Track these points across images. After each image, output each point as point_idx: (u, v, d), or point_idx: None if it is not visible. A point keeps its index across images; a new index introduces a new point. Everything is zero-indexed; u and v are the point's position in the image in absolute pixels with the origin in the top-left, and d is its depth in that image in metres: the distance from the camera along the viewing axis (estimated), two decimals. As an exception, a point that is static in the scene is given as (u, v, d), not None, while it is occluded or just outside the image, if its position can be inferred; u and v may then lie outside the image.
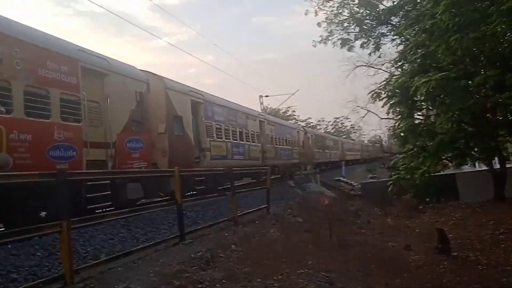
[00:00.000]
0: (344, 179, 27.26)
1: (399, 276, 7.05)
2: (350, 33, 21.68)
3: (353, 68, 24.15)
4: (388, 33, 20.67)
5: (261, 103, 38.92)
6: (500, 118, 12.23)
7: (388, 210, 15.06)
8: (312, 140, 34.19)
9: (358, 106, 26.99)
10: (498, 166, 13.83)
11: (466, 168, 17.34)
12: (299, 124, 41.83)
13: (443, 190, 14.41)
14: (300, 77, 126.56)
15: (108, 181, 9.11)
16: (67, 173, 5.40)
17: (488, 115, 12.37)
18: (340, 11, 21.16)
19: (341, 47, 22.03)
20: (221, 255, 6.69)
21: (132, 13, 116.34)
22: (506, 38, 10.76)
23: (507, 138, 13.57)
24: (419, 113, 15.28)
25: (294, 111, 61.22)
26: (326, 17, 21.67)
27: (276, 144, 24.53)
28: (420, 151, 12.92)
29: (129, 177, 10.04)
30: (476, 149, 13.29)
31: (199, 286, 5.21)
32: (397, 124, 15.22)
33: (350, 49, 22.25)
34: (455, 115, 11.54)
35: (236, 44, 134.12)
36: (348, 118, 62.45)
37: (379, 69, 23.30)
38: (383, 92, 14.20)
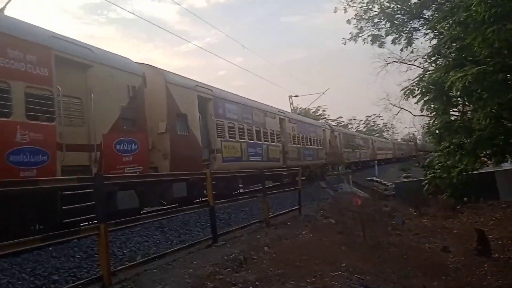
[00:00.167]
0: (377, 179, 26.76)
1: (436, 279, 6.87)
2: (380, 29, 21.21)
3: (385, 65, 23.59)
4: (420, 27, 20.10)
5: (291, 103, 38.71)
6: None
7: (424, 210, 14.70)
8: (340, 139, 32.46)
9: (390, 104, 26.31)
10: (541, 163, 13.19)
11: (506, 165, 16.64)
12: (326, 122, 41.33)
13: (482, 189, 13.89)
14: (330, 76, 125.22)
15: (91, 190, 7.34)
16: (104, 176, 5.52)
17: (529, 109, 11.81)
18: (370, 6, 20.76)
19: (372, 44, 21.59)
20: (253, 257, 6.70)
21: (162, 18, 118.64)
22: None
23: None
24: (455, 109, 14.76)
25: (324, 111, 60.64)
26: (356, 14, 21.32)
27: (299, 144, 22.75)
28: (456, 148, 12.49)
29: (120, 182, 8.31)
30: (516, 146, 12.71)
31: (232, 288, 5.25)
32: (432, 121, 14.77)
33: (381, 45, 21.75)
34: (493, 110, 11.08)
35: (264, 44, 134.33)
36: (380, 116, 61.53)
37: (412, 64, 22.66)
38: (417, 89, 13.79)
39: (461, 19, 10.86)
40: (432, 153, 18.41)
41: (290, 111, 35.54)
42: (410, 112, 25.25)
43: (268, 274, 5.91)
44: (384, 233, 10.38)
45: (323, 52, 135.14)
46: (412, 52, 21.48)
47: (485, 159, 13.97)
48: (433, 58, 15.33)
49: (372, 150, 44.20)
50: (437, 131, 13.82)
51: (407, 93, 14.32)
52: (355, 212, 10.62)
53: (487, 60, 11.03)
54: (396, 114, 27.11)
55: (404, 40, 20.55)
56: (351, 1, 20.96)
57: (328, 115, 63.44)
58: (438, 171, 13.10)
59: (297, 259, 6.78)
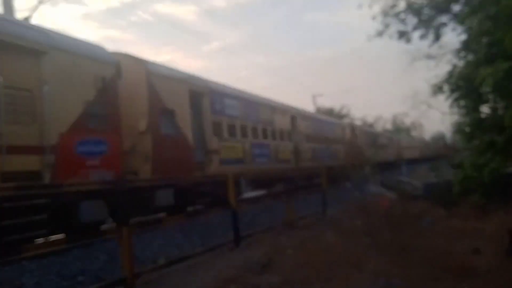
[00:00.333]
0: (405, 179, 26.19)
1: (467, 282, 6.61)
2: (407, 25, 20.87)
3: (412, 61, 23.13)
4: (448, 22, 19.62)
5: (315, 103, 38.42)
6: None
7: (454, 211, 14.25)
8: (361, 137, 30.60)
9: (418, 102, 25.74)
10: None
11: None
12: (351, 121, 40.68)
13: (516, 189, 13.35)
14: (355, 74, 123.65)
15: (45, 200, 6.68)
16: (127, 180, 5.56)
17: None
18: (396, 2, 20.43)
19: (398, 40, 21.26)
20: (277, 259, 6.62)
21: (183, 19, 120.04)
22: None
23: None
24: (486, 106, 14.32)
25: (349, 110, 60.00)
26: (382, 10, 21.02)
27: (314, 143, 20.99)
28: (487, 147, 12.09)
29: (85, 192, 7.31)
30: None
31: (256, 291, 5.19)
32: (461, 118, 14.35)
33: (408, 41, 21.36)
34: (526, 107, 10.67)
35: (287, 43, 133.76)
36: (408, 115, 60.19)
37: (440, 60, 22.15)
38: (446, 85, 13.44)
39: (491, 13, 10.51)
40: (462, 151, 17.91)
41: (313, 110, 35.37)
42: (439, 109, 24.61)
43: (292, 277, 5.82)
44: (412, 235, 10.10)
45: (348, 49, 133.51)
46: (440, 47, 21.01)
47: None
48: (462, 54, 14.92)
49: (397, 150, 42.54)
50: (467, 129, 13.42)
51: (435, 90, 13.99)
52: (381, 213, 10.38)
53: (519, 54, 10.62)
54: (424, 112, 26.47)
55: (432, 35, 20.13)
56: (376, -3, 20.70)
57: (353, 114, 62.83)
58: (469, 170, 12.71)
59: (321, 261, 6.65)
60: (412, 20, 20.30)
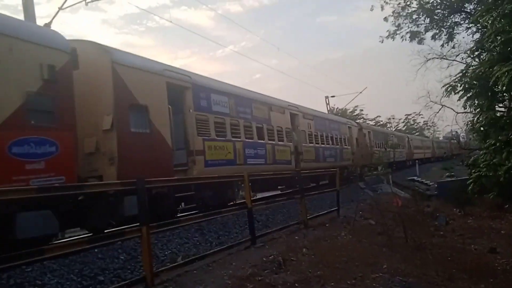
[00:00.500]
0: (418, 179, 25.96)
1: (483, 281, 6.61)
2: (419, 25, 20.74)
3: (424, 62, 22.95)
4: (462, 22, 19.46)
5: (327, 104, 38.32)
6: None
7: (469, 210, 14.15)
8: (369, 137, 29.23)
9: (431, 101, 25.47)
10: None
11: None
12: (364, 121, 40.10)
13: (532, 188, 13.18)
14: (367, 75, 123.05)
15: None
16: (145, 180, 5.67)
17: None
18: (408, 3, 20.31)
19: (411, 41, 21.16)
20: (292, 258, 6.69)
21: (199, 24, 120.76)
22: None
23: None
24: (501, 105, 14.16)
25: (362, 110, 59.63)
26: (393, 11, 20.92)
27: (317, 143, 19.68)
28: (503, 145, 11.95)
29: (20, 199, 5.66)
30: None
31: (272, 289, 5.26)
32: (476, 118, 14.21)
33: (421, 41, 21.28)
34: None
35: (299, 46, 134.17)
36: (420, 115, 59.62)
37: (453, 60, 21.92)
38: (459, 85, 13.34)
39: (506, 11, 10.43)
40: (477, 151, 17.73)
41: (325, 111, 35.17)
42: (452, 109, 24.38)
43: (307, 275, 5.88)
44: (426, 234, 10.07)
45: (359, 51, 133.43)
46: (453, 47, 20.83)
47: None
48: (476, 53, 14.79)
49: (408, 150, 41.42)
50: (482, 128, 13.28)
51: (449, 89, 13.89)
52: (395, 213, 10.36)
53: (534, 52, 10.51)
54: (437, 112, 26.19)
55: (445, 35, 19.99)
56: (388, -1, 20.61)
57: (366, 114, 62.44)
58: (484, 169, 12.58)
59: (336, 260, 6.71)
60: (424, 20, 20.26)
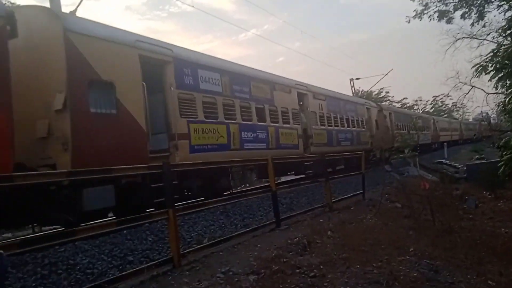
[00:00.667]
0: (447, 161, 25.38)
1: (515, 265, 6.45)
2: (448, 4, 19.99)
3: (453, 42, 22.20)
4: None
5: (352, 86, 37.66)
6: None
7: (500, 193, 13.79)
8: (390, 119, 27.24)
9: (460, 82, 24.69)
10: None
11: None
12: (390, 104, 38.98)
13: None
14: (393, 57, 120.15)
15: None
16: (171, 164, 5.76)
17: None
18: (437, -19, 19.58)
19: (439, 20, 20.43)
20: (317, 241, 6.70)
21: (221, 8, 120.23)
22: None
23: None
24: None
25: (388, 92, 58.44)
26: (421, -11, 20.22)
27: (330, 126, 18.05)
28: (537, 126, 11.56)
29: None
30: None
31: (297, 271, 5.30)
32: (507, 98, 13.73)
33: (449, 21, 20.52)
34: None
35: (323, 28, 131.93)
36: (449, 96, 57.89)
37: (484, 39, 21.11)
38: (490, 65, 12.89)
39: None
40: (509, 132, 17.17)
41: (351, 94, 34.54)
42: (482, 90, 23.60)
43: (333, 258, 5.88)
44: (455, 217, 9.90)
45: (385, 32, 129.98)
46: (484, 26, 20.04)
47: None
48: (509, 31, 14.20)
49: (434, 132, 39.39)
50: (514, 109, 12.86)
51: (479, 70, 13.44)
52: (423, 196, 10.20)
53: None
54: (467, 93, 25.38)
55: (475, 14, 19.21)
56: (415, -24, 19.95)
57: (392, 96, 61.22)
58: (516, 151, 12.22)
59: (362, 243, 6.68)
60: (453, -1, 19.50)
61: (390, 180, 15.39)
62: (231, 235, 6.90)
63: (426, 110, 69.67)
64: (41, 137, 7.36)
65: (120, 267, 5.64)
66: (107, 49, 8.23)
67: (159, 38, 9.48)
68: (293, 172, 15.71)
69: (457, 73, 24.42)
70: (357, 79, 38.46)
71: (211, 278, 4.89)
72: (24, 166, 6.90)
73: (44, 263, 5.47)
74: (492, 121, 47.16)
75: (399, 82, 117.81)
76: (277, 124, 13.68)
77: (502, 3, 16.94)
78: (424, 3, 20.41)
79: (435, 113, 64.60)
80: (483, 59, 14.31)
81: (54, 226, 8.20)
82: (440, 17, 20.33)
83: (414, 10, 20.86)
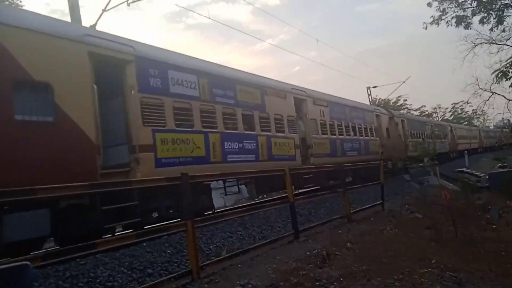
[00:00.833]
0: (468, 170, 24.87)
1: (542, 278, 6.24)
2: (466, 9, 19.83)
3: (472, 47, 21.95)
4: (512, 3, 18.41)
5: (369, 95, 37.41)
6: None
7: (524, 202, 13.42)
8: (403, 126, 25.65)
9: (480, 89, 24.29)
10: None
11: None
12: (408, 112, 38.24)
13: None
14: (411, 64, 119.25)
15: None
16: (189, 176, 5.79)
17: None
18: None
19: (457, 26, 20.28)
20: (337, 253, 6.62)
21: (237, 19, 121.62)
22: None
23: None
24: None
25: (405, 100, 57.87)
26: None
27: (333, 134, 16.46)
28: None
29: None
30: None
31: (317, 283, 5.24)
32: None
33: (467, 26, 20.35)
34: None
35: (339, 36, 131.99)
36: (469, 103, 57.03)
37: (504, 44, 20.80)
38: (511, 70, 12.67)
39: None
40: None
41: (368, 102, 34.25)
42: (503, 96, 23.17)
43: (353, 270, 5.80)
44: (478, 228, 9.68)
45: (402, 39, 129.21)
46: (503, 31, 19.81)
47: None
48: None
49: (451, 140, 37.68)
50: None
51: (499, 76, 13.28)
52: (444, 206, 9.99)
53: None
54: (487, 100, 24.97)
55: (494, 18, 19.03)
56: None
57: (410, 104, 60.60)
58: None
59: (382, 255, 6.57)
60: (471, 4, 19.34)
61: (409, 190, 15.16)
62: (250, 247, 6.87)
63: (445, 117, 68.70)
64: None
65: (140, 279, 5.67)
66: (43, 43, 6.96)
67: (177, 50, 9.01)
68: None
69: (477, 79, 24.08)
70: (374, 87, 38.26)
71: (230, 291, 4.88)
72: None
73: (66, 276, 5.54)
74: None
75: (417, 90, 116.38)
76: (269, 133, 12.30)
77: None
78: (441, 9, 20.32)
79: (454, 120, 63.58)
80: (503, 64, 14.14)
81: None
82: (458, 23, 20.18)
83: (431, 16, 20.81)
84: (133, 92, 8.29)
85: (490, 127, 69.76)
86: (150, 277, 5.77)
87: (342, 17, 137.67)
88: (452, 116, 71.88)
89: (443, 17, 20.46)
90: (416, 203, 11.81)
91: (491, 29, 19.74)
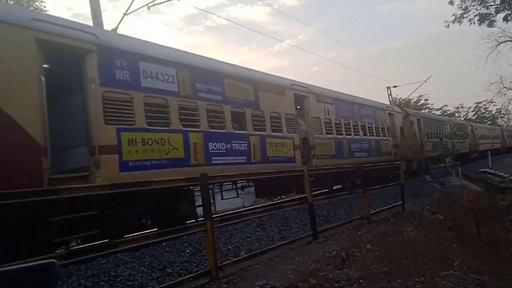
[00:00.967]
0: (491, 171, 24.30)
1: None
2: (489, 7, 19.42)
3: (496, 45, 21.57)
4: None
5: (390, 95, 36.93)
6: None
7: (551, 204, 13.03)
8: (419, 125, 24.24)
9: (504, 88, 23.75)
10: None
11: None
12: (430, 111, 37.43)
13: None
14: (432, 63, 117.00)
15: None
16: (209, 176, 5.83)
17: None
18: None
19: (479, 24, 19.90)
20: (356, 254, 6.55)
21: (255, 20, 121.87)
22: None
23: None
24: None
25: (427, 100, 56.94)
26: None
27: (339, 134, 15.11)
28: None
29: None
30: None
31: (336, 285, 5.20)
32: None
33: (491, 24, 19.96)
34: None
35: (358, 36, 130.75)
36: (493, 102, 55.75)
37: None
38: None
39: None
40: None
41: (388, 102, 33.76)
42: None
43: (372, 271, 5.73)
44: (502, 229, 9.43)
45: (423, 38, 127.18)
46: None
47: None
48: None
49: (472, 140, 36.06)
50: None
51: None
52: (466, 207, 9.79)
53: None
54: (512, 98, 24.28)
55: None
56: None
57: (432, 104, 59.62)
58: None
59: (403, 256, 6.48)
60: (494, 1, 18.93)
61: (430, 190, 14.91)
62: (268, 247, 6.87)
63: (468, 117, 67.34)
64: None
65: (160, 279, 5.72)
66: None
67: (197, 52, 8.42)
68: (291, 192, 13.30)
69: (501, 78, 23.59)
70: (394, 87, 37.77)
71: (249, 291, 4.89)
72: None
73: (87, 274, 5.64)
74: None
75: (439, 89, 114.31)
76: (263, 133, 11.11)
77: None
78: (463, 7, 19.96)
79: (477, 120, 62.21)
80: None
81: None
82: (481, 21, 19.79)
83: (453, 15, 20.46)
84: (93, 85, 7.24)
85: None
86: (169, 276, 5.82)
87: (361, 17, 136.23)
88: (476, 115, 70.43)
89: (465, 15, 20.11)
90: (437, 204, 11.60)
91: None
